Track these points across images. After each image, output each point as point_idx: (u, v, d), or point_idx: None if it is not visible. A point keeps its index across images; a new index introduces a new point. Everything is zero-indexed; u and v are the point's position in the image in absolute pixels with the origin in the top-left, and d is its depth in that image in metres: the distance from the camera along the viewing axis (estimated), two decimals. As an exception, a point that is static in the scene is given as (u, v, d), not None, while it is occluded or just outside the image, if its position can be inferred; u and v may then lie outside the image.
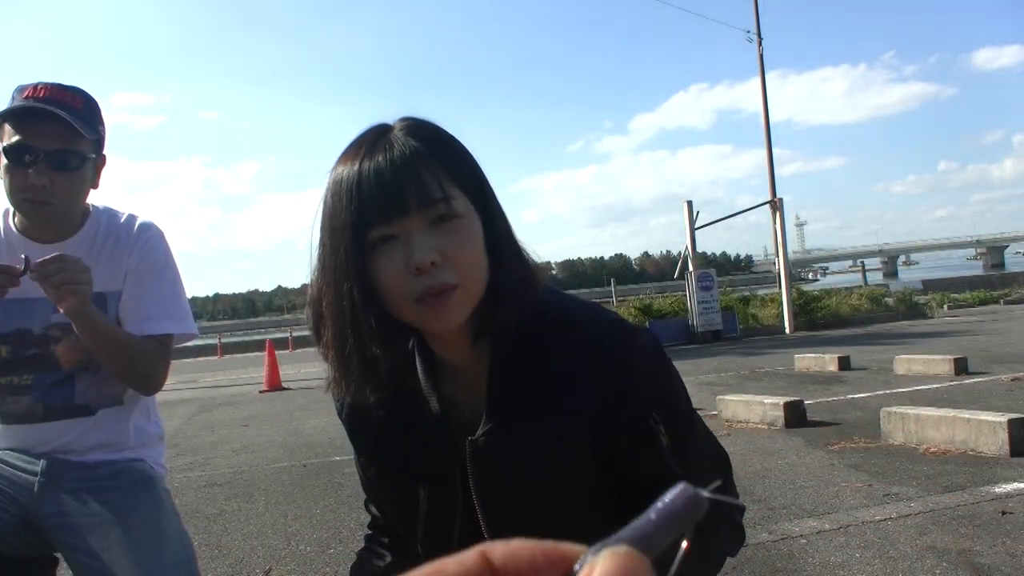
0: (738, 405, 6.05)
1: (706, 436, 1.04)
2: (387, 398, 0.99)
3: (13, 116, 1.49)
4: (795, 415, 5.59)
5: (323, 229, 0.92)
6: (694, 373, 9.26)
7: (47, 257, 1.38)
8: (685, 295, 15.18)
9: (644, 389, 0.94)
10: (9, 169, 1.50)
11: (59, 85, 1.54)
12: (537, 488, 0.95)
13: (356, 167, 0.88)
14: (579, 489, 0.96)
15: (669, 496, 0.24)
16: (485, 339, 0.96)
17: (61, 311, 1.45)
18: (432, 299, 0.87)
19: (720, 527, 0.99)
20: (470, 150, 0.95)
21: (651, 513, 0.24)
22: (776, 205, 15.98)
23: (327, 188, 0.91)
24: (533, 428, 0.94)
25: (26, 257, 1.39)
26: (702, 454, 0.99)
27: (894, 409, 5.00)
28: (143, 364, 1.59)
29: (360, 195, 0.87)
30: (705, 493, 0.24)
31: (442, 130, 0.94)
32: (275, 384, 11.21)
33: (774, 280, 21.36)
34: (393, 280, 0.87)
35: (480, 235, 0.91)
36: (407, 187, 0.86)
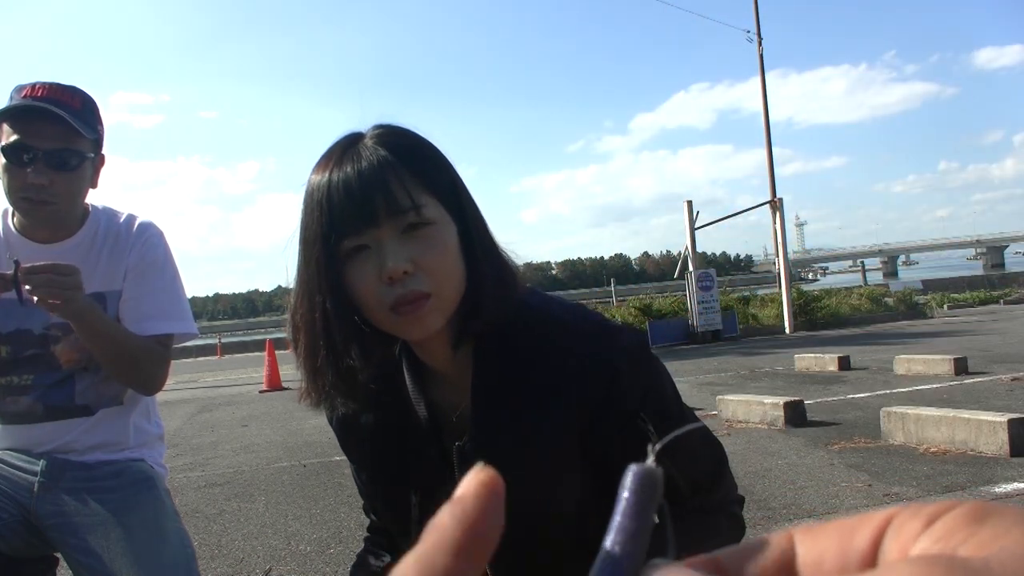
0: (738, 405, 6.05)
1: (700, 435, 1.03)
2: (375, 405, 0.99)
3: (12, 115, 1.49)
4: (795, 415, 5.59)
5: (299, 240, 0.92)
6: (694, 373, 9.27)
7: (37, 264, 1.37)
8: (685, 295, 15.17)
9: (630, 389, 0.93)
10: (8, 168, 1.50)
11: (58, 84, 1.54)
12: (525, 492, 0.95)
13: (326, 178, 0.88)
14: (568, 492, 0.96)
15: (628, 491, 0.24)
16: (467, 344, 0.95)
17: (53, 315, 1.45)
18: (406, 308, 0.87)
19: (720, 520, 0.99)
20: (445, 155, 0.95)
21: (623, 518, 0.23)
22: (776, 205, 15.98)
23: (302, 200, 0.92)
24: (519, 432, 0.94)
25: (16, 261, 1.38)
26: (695, 451, 0.99)
27: (894, 409, 5.00)
28: (143, 364, 1.58)
29: (330, 207, 0.87)
30: (650, 462, 0.24)
31: (414, 136, 0.94)
32: (275, 384, 11.22)
33: (774, 280, 21.37)
34: (367, 290, 0.88)
35: (454, 241, 0.91)
36: (375, 197, 0.86)
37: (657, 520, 0.24)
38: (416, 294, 0.87)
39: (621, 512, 0.23)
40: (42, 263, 1.37)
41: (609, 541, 0.23)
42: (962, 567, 0.17)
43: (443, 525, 0.23)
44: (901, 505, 0.21)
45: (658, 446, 0.25)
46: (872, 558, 0.20)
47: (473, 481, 0.24)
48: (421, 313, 0.88)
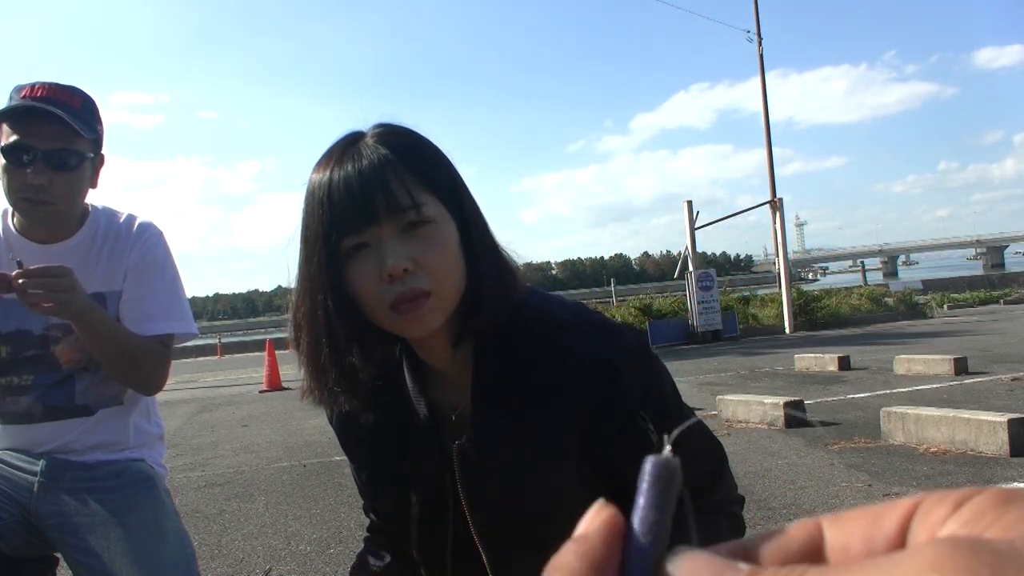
0: (738, 405, 6.05)
1: (700, 434, 1.03)
2: (375, 404, 0.99)
3: (11, 116, 1.49)
4: (795, 415, 5.58)
5: (300, 239, 0.93)
6: (694, 373, 9.27)
7: (30, 268, 1.36)
8: (685, 295, 15.17)
9: (630, 388, 0.93)
10: (7, 169, 1.50)
11: (57, 84, 1.54)
12: (525, 491, 0.95)
13: (326, 177, 0.89)
14: (568, 491, 0.96)
15: (647, 481, 0.24)
16: (467, 342, 0.96)
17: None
18: (405, 306, 0.87)
19: (720, 520, 0.99)
20: (445, 153, 0.95)
21: (645, 508, 0.24)
22: (776, 205, 15.97)
23: (303, 198, 0.92)
24: (519, 432, 0.94)
25: (19, 261, 1.38)
26: (695, 449, 0.99)
27: (894, 409, 5.00)
28: (144, 364, 1.58)
29: (331, 205, 0.88)
30: (667, 451, 0.25)
31: (414, 135, 0.94)
32: (275, 384, 11.22)
33: (774, 280, 21.38)
34: (367, 288, 0.88)
35: (454, 239, 0.91)
36: (375, 196, 0.87)
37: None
38: (416, 292, 0.87)
39: (642, 503, 0.24)
40: (34, 267, 1.37)
41: (633, 532, 0.24)
42: (988, 549, 0.18)
43: (571, 564, 0.23)
44: (925, 492, 0.21)
45: (675, 433, 0.26)
46: (900, 542, 0.21)
47: (596, 519, 0.24)
48: (421, 311, 0.88)
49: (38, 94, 1.50)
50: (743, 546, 0.23)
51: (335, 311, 0.89)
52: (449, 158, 0.96)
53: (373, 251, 0.88)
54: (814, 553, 0.22)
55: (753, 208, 18.28)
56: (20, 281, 1.35)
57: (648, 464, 0.25)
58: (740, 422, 5.89)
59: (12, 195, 1.52)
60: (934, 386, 6.87)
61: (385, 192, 0.87)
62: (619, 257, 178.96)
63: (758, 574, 0.21)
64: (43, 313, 1.41)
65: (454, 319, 0.92)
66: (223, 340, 29.78)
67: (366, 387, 0.95)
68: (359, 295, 0.89)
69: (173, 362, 1.70)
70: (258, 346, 24.13)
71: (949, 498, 0.21)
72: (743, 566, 0.21)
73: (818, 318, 15.99)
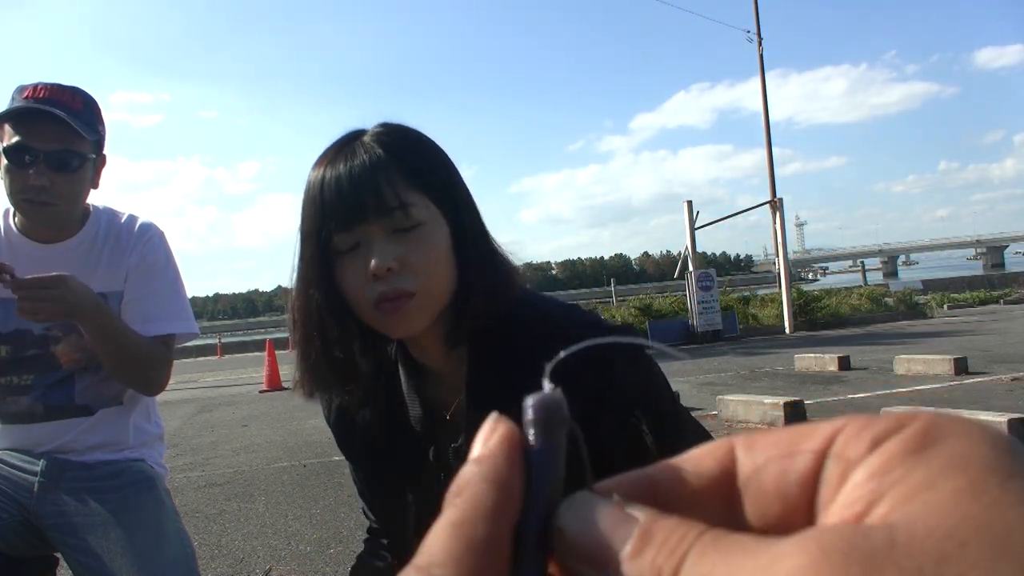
0: (738, 405, 6.05)
1: (694, 431, 1.03)
2: (370, 402, 1.00)
3: (13, 117, 1.49)
4: (795, 415, 5.59)
5: (298, 236, 0.94)
6: (694, 373, 9.26)
7: (23, 279, 1.36)
8: (685, 295, 15.17)
9: (625, 389, 0.93)
10: (9, 169, 1.50)
11: (59, 85, 1.54)
12: None
13: (320, 175, 0.90)
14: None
15: (530, 426, 0.22)
16: (462, 342, 0.96)
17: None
18: (387, 305, 0.88)
19: None
20: (445, 153, 0.96)
21: (532, 455, 0.22)
22: (776, 205, 15.97)
23: (302, 195, 0.93)
24: None
25: (12, 274, 1.38)
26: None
27: (894, 409, 5.00)
28: (146, 364, 1.59)
29: (322, 203, 0.89)
30: (547, 387, 0.23)
31: (413, 135, 0.94)
32: (275, 384, 11.22)
33: (774, 280, 21.38)
34: (355, 286, 0.89)
35: (444, 241, 0.91)
36: (365, 196, 0.88)
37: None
38: (399, 292, 0.87)
39: (529, 450, 0.22)
40: (27, 278, 1.37)
41: (531, 460, 0.22)
42: (860, 554, 0.16)
43: (475, 488, 0.21)
44: (849, 417, 0.20)
45: (550, 366, 0.25)
46: (812, 482, 0.19)
47: (495, 437, 0.22)
48: (403, 311, 0.88)
49: (40, 95, 1.50)
50: (651, 477, 0.22)
51: (325, 307, 0.90)
52: (449, 158, 0.96)
53: (363, 250, 0.89)
54: (727, 482, 0.21)
55: (753, 208, 18.29)
56: (13, 291, 1.35)
57: (527, 407, 0.23)
58: (740, 422, 5.89)
59: (14, 196, 1.52)
60: (934, 386, 6.87)
61: (374, 193, 0.88)
62: (619, 257, 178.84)
63: (650, 531, 0.19)
64: (36, 321, 1.42)
65: (447, 319, 0.93)
66: (223, 340, 29.72)
67: (361, 386, 0.96)
68: (347, 293, 0.90)
69: (173, 362, 1.71)
70: (258, 346, 24.12)
71: (867, 433, 0.19)
72: (640, 515, 0.20)
73: (818, 318, 15.98)
